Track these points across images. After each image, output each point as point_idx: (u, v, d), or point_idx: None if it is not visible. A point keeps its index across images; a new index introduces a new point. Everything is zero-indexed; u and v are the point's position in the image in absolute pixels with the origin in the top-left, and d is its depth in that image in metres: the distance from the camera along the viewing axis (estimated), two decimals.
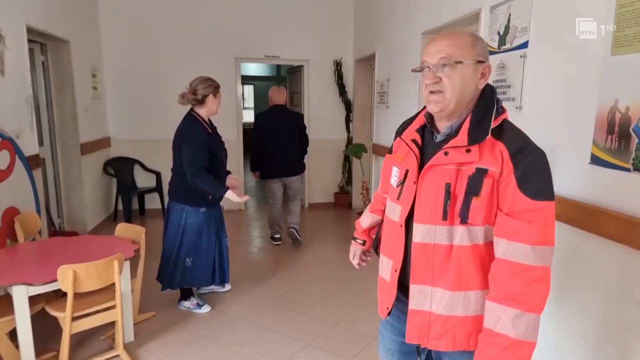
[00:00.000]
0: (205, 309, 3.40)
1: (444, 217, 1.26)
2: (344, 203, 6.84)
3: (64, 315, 2.45)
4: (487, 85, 1.35)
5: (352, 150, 5.94)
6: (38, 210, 3.57)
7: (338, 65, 6.57)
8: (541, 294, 1.21)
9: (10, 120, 3.41)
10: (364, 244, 1.77)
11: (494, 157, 1.23)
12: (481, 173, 1.23)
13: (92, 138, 5.32)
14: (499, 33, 2.93)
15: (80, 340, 2.90)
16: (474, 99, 1.32)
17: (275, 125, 4.88)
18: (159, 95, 6.12)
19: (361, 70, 6.48)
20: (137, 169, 6.20)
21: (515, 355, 1.20)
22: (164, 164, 6.17)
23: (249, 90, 12.49)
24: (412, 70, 1.39)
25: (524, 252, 1.19)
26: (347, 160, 6.79)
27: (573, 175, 2.27)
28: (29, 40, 3.85)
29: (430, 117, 1.40)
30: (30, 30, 3.83)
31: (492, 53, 3.01)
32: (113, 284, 2.58)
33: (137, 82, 6.04)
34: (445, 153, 1.27)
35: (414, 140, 1.39)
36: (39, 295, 2.50)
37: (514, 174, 1.21)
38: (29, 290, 2.38)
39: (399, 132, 1.50)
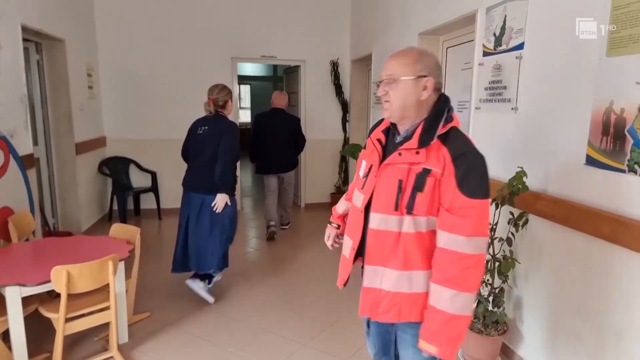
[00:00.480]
0: (212, 298, 3.57)
1: (396, 208, 1.48)
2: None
3: (57, 317, 2.42)
4: (442, 95, 1.57)
5: (349, 151, 5.93)
6: (32, 210, 3.55)
7: (335, 66, 6.57)
8: (475, 277, 1.44)
9: (5, 120, 3.39)
10: (338, 227, 1.94)
11: (438, 160, 1.44)
12: (426, 172, 1.44)
13: (87, 137, 5.29)
14: (494, 34, 2.93)
15: (73, 341, 2.88)
16: (427, 107, 1.54)
17: (273, 126, 5.28)
18: (155, 94, 6.10)
19: (358, 70, 6.47)
20: (132, 169, 6.17)
21: (454, 327, 1.44)
22: (160, 164, 6.19)
23: (245, 90, 12.46)
24: (373, 82, 1.65)
25: (460, 243, 1.41)
26: (343, 160, 6.78)
27: (568, 176, 2.27)
28: (24, 39, 3.83)
29: (393, 122, 1.61)
30: (25, 29, 3.80)
31: (488, 54, 3.02)
32: (107, 285, 2.57)
33: (133, 82, 6.02)
34: (399, 154, 1.50)
35: (379, 140, 1.63)
36: (32, 296, 2.48)
37: (454, 175, 1.41)
38: (22, 291, 2.36)
39: (370, 131, 1.74)
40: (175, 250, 3.62)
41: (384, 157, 1.58)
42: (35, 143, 4.39)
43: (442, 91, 1.61)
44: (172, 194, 6.32)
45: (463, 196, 1.40)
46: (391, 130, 1.64)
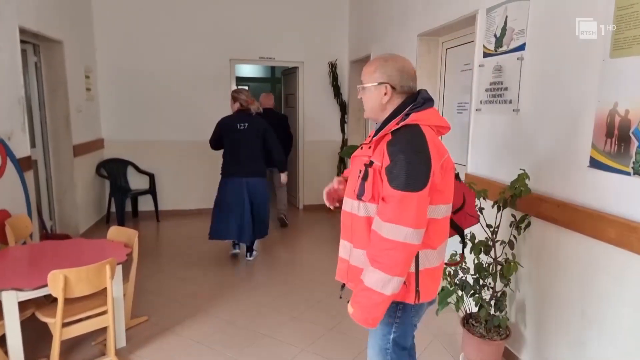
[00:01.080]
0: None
1: (355, 195, 1.69)
2: (338, 205, 6.77)
3: (54, 321, 2.39)
4: (410, 96, 1.72)
5: (347, 152, 5.89)
6: (29, 213, 3.52)
7: (333, 67, 6.55)
8: (392, 260, 1.54)
9: (2, 122, 3.36)
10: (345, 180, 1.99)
11: (380, 153, 1.62)
12: (370, 164, 1.63)
13: (85, 139, 5.26)
14: (495, 35, 2.91)
15: (71, 346, 2.85)
16: (393, 107, 1.72)
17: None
18: (154, 96, 6.07)
19: (356, 71, 6.43)
20: (130, 171, 6.14)
21: (365, 297, 1.59)
22: (158, 166, 6.16)
23: None
24: (358, 87, 1.82)
25: (380, 225, 1.57)
26: (342, 162, 6.75)
27: (571, 178, 2.25)
28: (22, 41, 3.79)
29: None
30: (23, 31, 3.77)
31: (488, 55, 3.00)
32: (105, 289, 2.53)
33: (131, 83, 5.99)
34: (361, 148, 1.76)
35: (370, 135, 1.82)
36: (29, 300, 2.45)
37: (387, 166, 1.57)
38: (19, 295, 2.33)
39: None
40: (216, 221, 4.44)
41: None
42: (33, 145, 4.35)
43: (418, 90, 1.75)
44: (170, 196, 6.31)
45: (388, 185, 1.56)
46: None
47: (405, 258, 1.56)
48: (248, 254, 4.68)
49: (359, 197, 1.66)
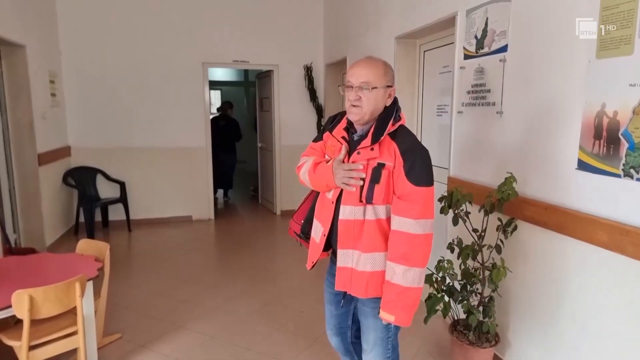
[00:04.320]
0: None
1: (360, 200, 1.72)
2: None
3: (20, 345, 2.22)
4: (394, 98, 1.79)
5: None
6: None
7: (308, 70, 6.47)
8: (422, 253, 1.68)
9: None
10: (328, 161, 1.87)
11: (390, 154, 1.68)
12: (381, 166, 1.68)
13: (50, 147, 5.01)
14: (476, 37, 2.87)
15: None
16: (382, 110, 1.77)
17: None
18: (123, 101, 5.87)
19: (332, 75, 6.37)
20: (99, 179, 5.89)
21: (407, 297, 1.68)
22: (129, 174, 5.95)
23: (215, 95, 12.22)
24: (338, 86, 1.80)
25: (409, 224, 1.65)
26: None
27: (559, 181, 2.22)
28: None
29: (350, 121, 1.83)
30: None
31: (469, 57, 2.96)
32: (74, 308, 2.37)
33: (99, 88, 5.76)
34: (358, 152, 1.73)
35: (343, 137, 1.83)
36: None
37: (403, 167, 1.66)
38: None
39: (330, 128, 1.91)
40: None
41: (350, 153, 1.78)
42: None
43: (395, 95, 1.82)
44: (142, 204, 6.10)
45: (411, 184, 1.65)
46: (350, 129, 1.85)
47: (430, 247, 1.71)
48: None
49: (369, 201, 1.70)
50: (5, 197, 4.40)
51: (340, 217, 1.77)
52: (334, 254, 1.88)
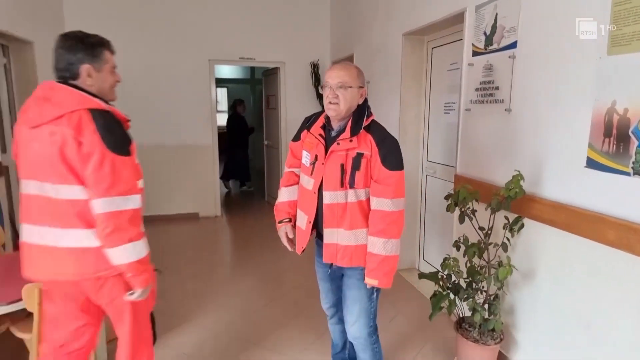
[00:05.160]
0: None
1: (341, 185, 1.98)
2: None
3: (30, 337, 2.23)
4: (365, 97, 2.08)
5: None
6: (1, 222, 3.35)
7: (315, 67, 6.45)
8: (398, 227, 1.98)
9: None
10: (290, 220, 2.28)
11: (367, 145, 1.96)
12: (360, 155, 1.95)
13: None
14: (485, 33, 2.85)
15: None
16: (355, 108, 2.03)
17: None
18: (130, 98, 5.81)
19: None
20: None
21: (386, 264, 1.97)
22: (146, 168, 5.95)
23: (222, 93, 12.23)
24: (319, 86, 2.02)
25: (387, 204, 1.94)
26: None
27: (568, 179, 2.20)
28: None
29: (328, 119, 2.09)
30: None
31: (478, 54, 2.94)
32: None
33: None
34: (338, 143, 1.97)
35: (320, 135, 2.08)
36: (3, 314, 2.28)
37: (379, 155, 1.94)
38: None
39: (307, 127, 2.16)
40: None
41: (326, 148, 2.02)
42: (4, 150, 4.15)
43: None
44: (148, 201, 6.08)
45: (386, 170, 1.93)
46: (326, 127, 2.10)
47: (403, 221, 2.00)
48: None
49: (351, 185, 1.97)
50: (15, 192, 4.42)
51: (325, 202, 2.02)
52: (319, 236, 2.15)
